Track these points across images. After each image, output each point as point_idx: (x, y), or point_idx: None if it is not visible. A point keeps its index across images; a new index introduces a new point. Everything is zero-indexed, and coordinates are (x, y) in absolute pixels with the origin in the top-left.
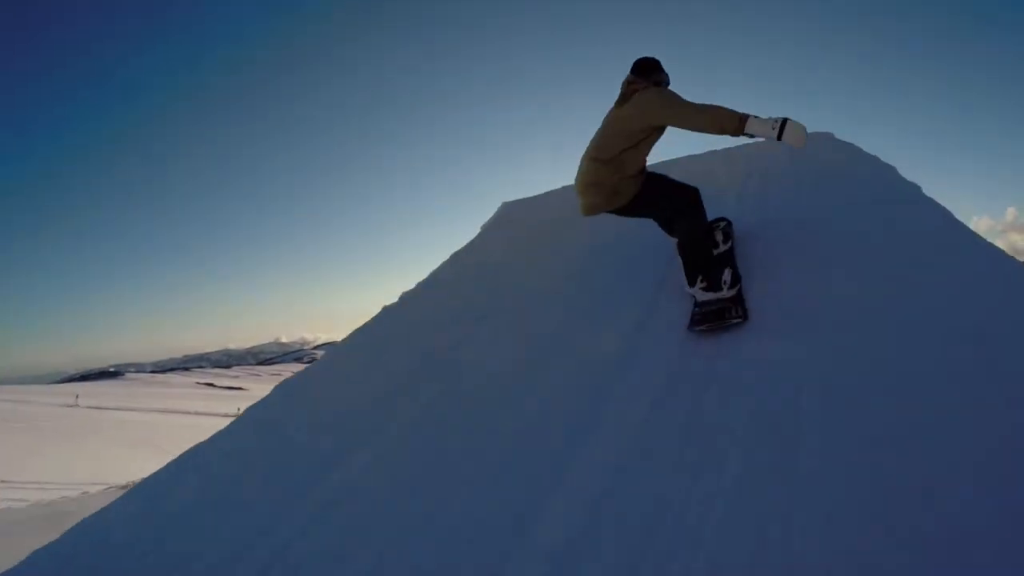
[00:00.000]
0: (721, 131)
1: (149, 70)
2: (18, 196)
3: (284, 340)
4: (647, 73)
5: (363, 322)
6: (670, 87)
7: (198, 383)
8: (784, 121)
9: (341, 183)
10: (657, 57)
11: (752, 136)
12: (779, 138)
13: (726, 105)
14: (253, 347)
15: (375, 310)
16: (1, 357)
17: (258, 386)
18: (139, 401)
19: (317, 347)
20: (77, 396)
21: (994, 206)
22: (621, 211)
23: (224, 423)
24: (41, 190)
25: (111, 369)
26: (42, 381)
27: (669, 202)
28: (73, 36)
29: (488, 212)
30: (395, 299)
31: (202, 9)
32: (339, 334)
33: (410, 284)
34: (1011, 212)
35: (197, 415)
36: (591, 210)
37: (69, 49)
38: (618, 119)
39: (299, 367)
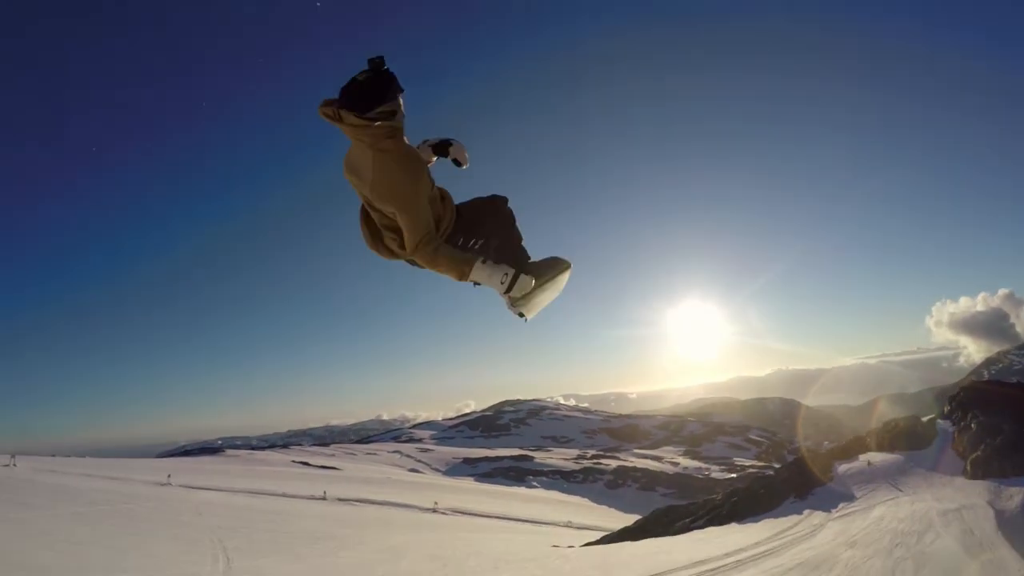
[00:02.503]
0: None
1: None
2: (142, 282)
3: (385, 417)
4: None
5: (461, 403)
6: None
7: (294, 461)
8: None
9: None
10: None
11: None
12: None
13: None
14: (355, 424)
15: (473, 391)
16: (117, 427)
17: (352, 465)
18: (230, 480)
19: (416, 426)
20: (169, 475)
21: None
22: None
23: (308, 506)
24: (165, 278)
25: (218, 442)
26: (151, 453)
27: None
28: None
29: None
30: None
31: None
32: (439, 413)
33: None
34: None
35: (284, 497)
36: None
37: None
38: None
39: (396, 445)
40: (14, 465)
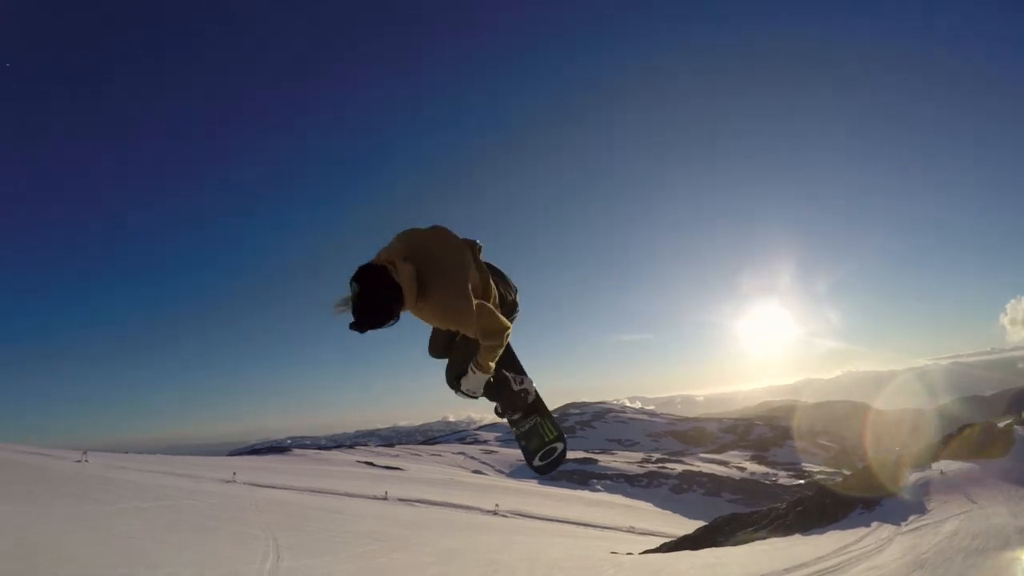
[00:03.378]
0: None
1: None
2: (222, 296)
3: (451, 419)
4: None
5: None
6: None
7: (358, 461)
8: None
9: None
10: None
11: None
12: None
13: None
14: (421, 424)
15: (540, 393)
16: (193, 427)
17: (416, 466)
18: (295, 479)
19: (481, 427)
20: (234, 473)
21: None
22: None
23: (368, 506)
24: (243, 292)
25: (287, 442)
26: (222, 451)
27: None
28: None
29: None
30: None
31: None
32: None
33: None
34: None
35: (346, 496)
36: None
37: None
38: None
39: (460, 447)
40: (86, 461)
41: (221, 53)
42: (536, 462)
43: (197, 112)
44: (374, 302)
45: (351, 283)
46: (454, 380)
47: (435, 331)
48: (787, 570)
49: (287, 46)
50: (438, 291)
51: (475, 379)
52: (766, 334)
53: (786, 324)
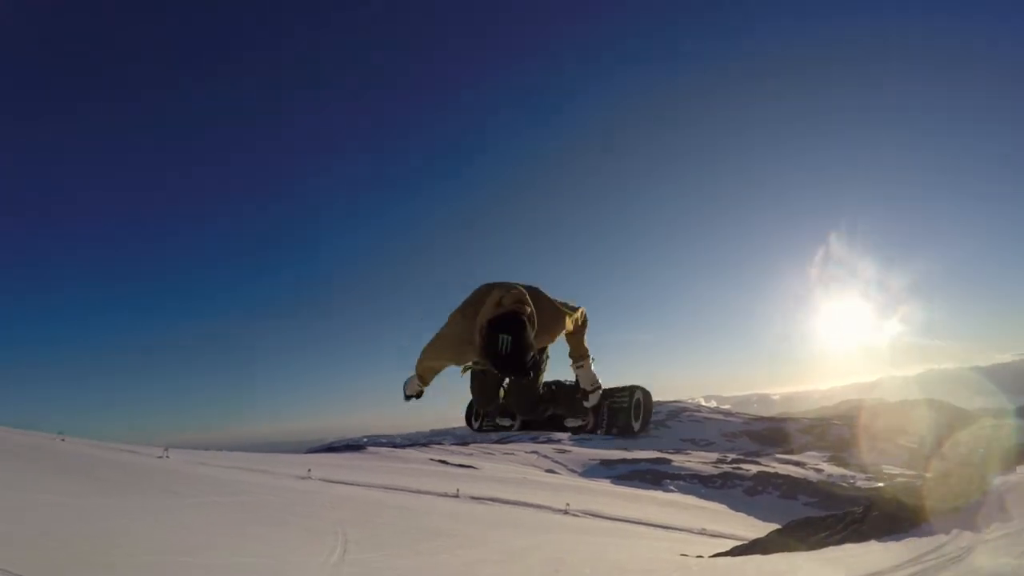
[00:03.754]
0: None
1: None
2: (301, 297)
3: None
4: None
5: None
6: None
7: (432, 459)
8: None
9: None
10: None
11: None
12: None
13: None
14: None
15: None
16: (273, 425)
17: (490, 464)
18: (368, 476)
19: None
20: (310, 469)
21: None
22: None
23: (439, 503)
24: (321, 293)
25: (363, 440)
26: (301, 449)
27: None
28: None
29: None
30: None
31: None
32: None
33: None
34: None
35: (417, 493)
36: None
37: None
38: None
39: (534, 446)
40: (167, 457)
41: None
42: (637, 425)
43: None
44: (526, 346)
45: (501, 336)
46: (531, 406)
47: (481, 381)
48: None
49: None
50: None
51: (589, 372)
52: (844, 330)
53: (865, 320)
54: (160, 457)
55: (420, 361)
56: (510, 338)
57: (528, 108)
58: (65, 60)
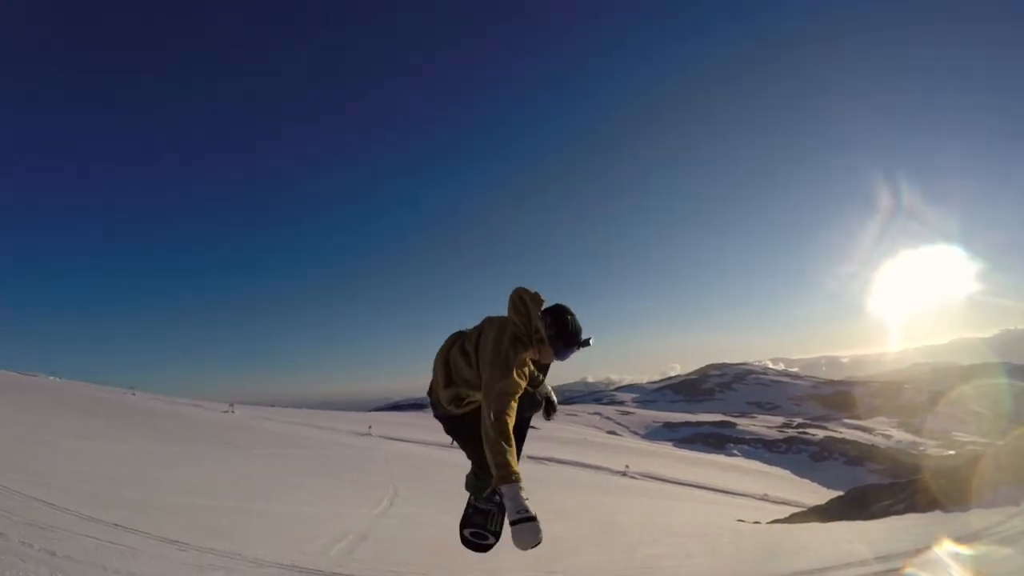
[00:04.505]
0: (490, 460)
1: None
2: (372, 261)
3: (590, 380)
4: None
5: (667, 366)
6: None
7: None
8: (522, 521)
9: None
10: (568, 314)
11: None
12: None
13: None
14: (559, 385)
15: (681, 354)
16: (344, 384)
17: (550, 425)
18: (427, 434)
19: (619, 388)
20: (370, 427)
21: None
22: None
23: None
24: (392, 257)
25: (427, 399)
26: (366, 407)
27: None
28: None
29: None
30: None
31: None
32: (644, 376)
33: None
34: None
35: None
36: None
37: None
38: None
39: (597, 407)
40: (232, 412)
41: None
42: (466, 533)
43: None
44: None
45: (567, 314)
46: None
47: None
48: (920, 551)
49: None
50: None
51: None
52: (917, 290)
53: (939, 279)
54: (226, 412)
55: (509, 415)
56: (571, 311)
57: (568, 85)
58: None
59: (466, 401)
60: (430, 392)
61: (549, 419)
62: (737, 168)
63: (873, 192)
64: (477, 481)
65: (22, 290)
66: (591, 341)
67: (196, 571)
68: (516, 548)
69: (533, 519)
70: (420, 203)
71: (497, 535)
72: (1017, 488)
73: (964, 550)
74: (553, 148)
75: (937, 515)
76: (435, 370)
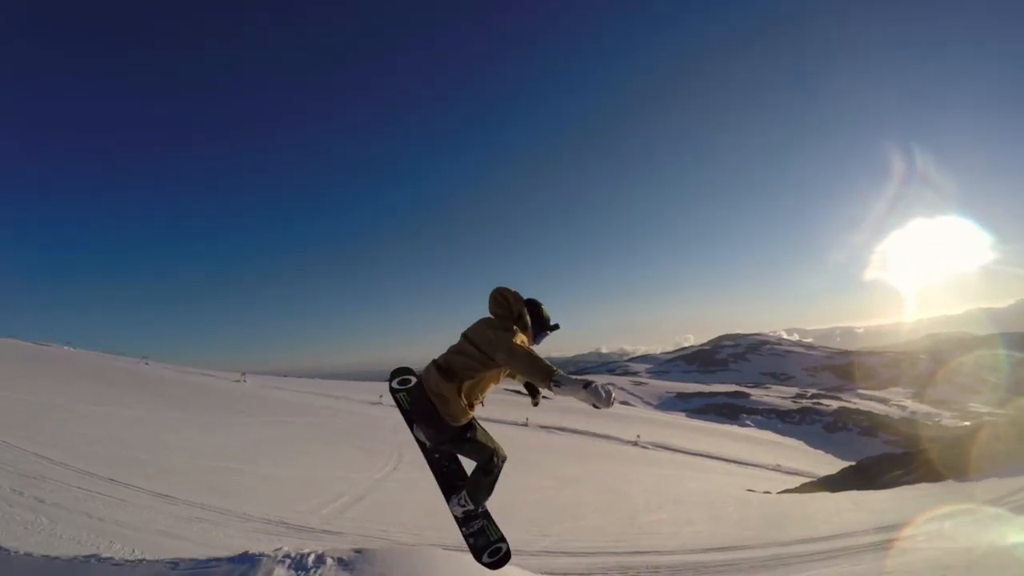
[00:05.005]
0: (533, 377)
1: None
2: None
3: (604, 351)
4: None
5: (681, 336)
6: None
7: (507, 389)
8: (589, 383)
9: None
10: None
11: (558, 389)
12: (584, 393)
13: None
14: (573, 356)
15: (695, 324)
16: (357, 354)
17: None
18: None
19: (633, 359)
20: (381, 396)
21: None
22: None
23: (506, 431)
24: (407, 227)
25: None
26: (380, 377)
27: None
28: None
29: None
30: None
31: None
32: (658, 347)
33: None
34: None
35: (486, 421)
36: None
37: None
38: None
39: (609, 378)
40: (244, 381)
41: None
42: (485, 559)
43: None
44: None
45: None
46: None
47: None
48: (928, 520)
49: None
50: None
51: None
52: (932, 260)
53: (954, 249)
54: (237, 381)
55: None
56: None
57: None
58: None
59: (473, 390)
60: (431, 423)
61: (535, 404)
62: (754, 139)
63: (888, 162)
64: (486, 476)
65: (38, 262)
66: (559, 326)
67: (181, 522)
68: (598, 410)
69: (592, 382)
70: (440, 175)
71: (504, 539)
72: (1019, 459)
73: (968, 519)
74: (576, 117)
75: (949, 484)
76: (430, 382)
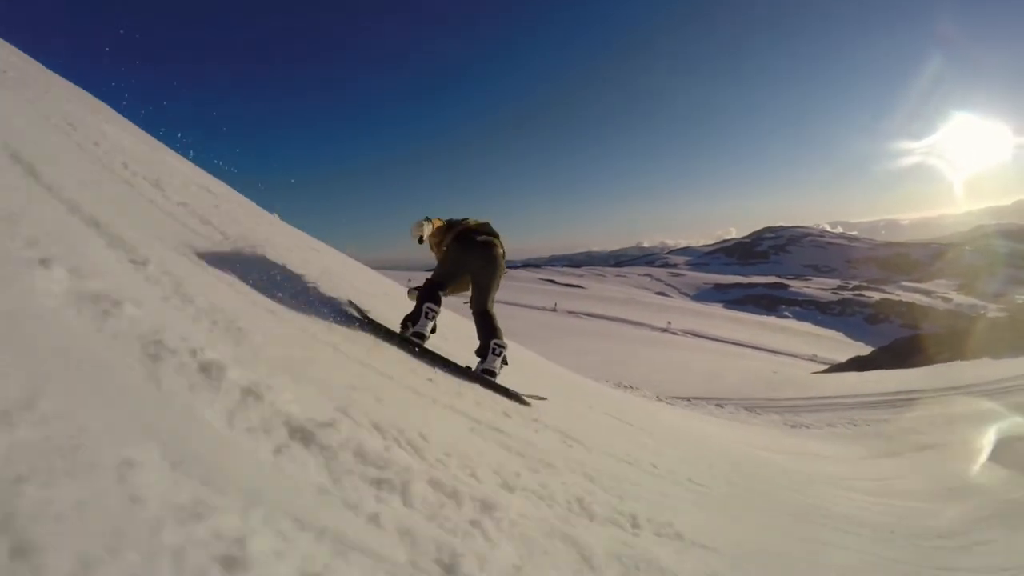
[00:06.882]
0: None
1: None
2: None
3: (645, 244)
4: None
5: (723, 230)
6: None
7: (541, 279)
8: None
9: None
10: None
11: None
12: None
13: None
14: (615, 250)
15: (738, 217)
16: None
17: (598, 286)
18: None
19: (672, 251)
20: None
21: None
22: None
23: (531, 315)
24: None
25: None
26: (421, 268)
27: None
28: None
29: None
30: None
31: None
32: (699, 240)
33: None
34: None
35: (515, 306)
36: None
37: None
38: None
39: (648, 269)
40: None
41: None
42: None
43: None
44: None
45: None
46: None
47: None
48: (955, 388)
49: None
50: None
51: None
52: (981, 150)
53: (1003, 138)
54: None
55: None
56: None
57: None
58: None
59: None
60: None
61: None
62: (805, 27)
63: (941, 46)
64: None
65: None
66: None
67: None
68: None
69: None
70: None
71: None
72: None
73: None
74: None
75: (985, 362)
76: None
